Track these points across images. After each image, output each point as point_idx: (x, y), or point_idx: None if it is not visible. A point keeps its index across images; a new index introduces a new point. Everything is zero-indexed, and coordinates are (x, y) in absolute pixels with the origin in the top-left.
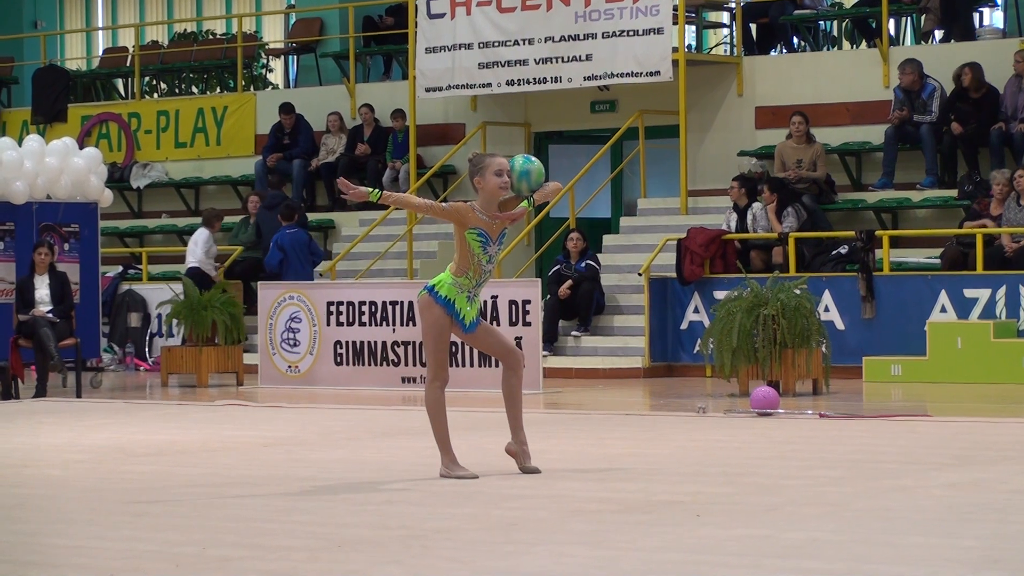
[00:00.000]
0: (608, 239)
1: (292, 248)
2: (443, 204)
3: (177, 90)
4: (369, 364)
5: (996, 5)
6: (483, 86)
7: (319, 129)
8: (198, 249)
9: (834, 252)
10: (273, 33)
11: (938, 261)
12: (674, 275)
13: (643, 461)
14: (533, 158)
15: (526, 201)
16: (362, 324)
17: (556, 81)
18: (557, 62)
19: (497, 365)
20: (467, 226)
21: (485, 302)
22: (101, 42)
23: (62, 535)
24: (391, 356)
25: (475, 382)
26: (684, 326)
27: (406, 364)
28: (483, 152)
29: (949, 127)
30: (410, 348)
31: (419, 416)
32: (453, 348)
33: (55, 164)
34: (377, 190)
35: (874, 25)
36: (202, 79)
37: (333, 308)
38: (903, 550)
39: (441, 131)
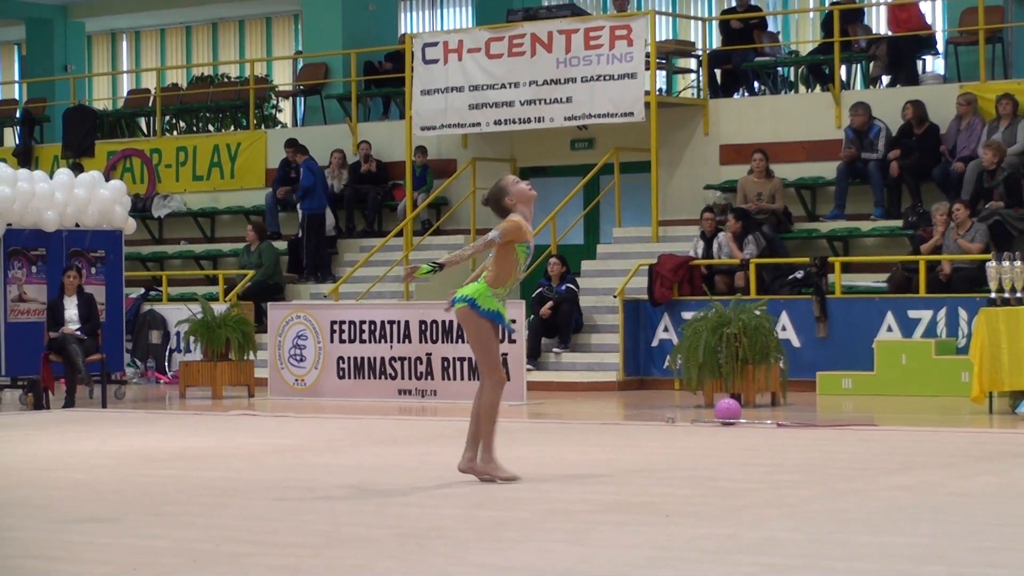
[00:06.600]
0: (586, 264)
1: (319, 174)
2: (500, 229)
3: (195, 128)
4: (369, 378)
5: (937, 53)
6: (473, 125)
7: (323, 164)
8: None
9: (791, 277)
10: (282, 76)
11: (885, 285)
12: (646, 297)
13: (618, 466)
14: None
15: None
16: (362, 341)
17: (539, 121)
18: (540, 104)
19: None
20: (522, 240)
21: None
22: (126, 84)
23: (88, 533)
24: (389, 371)
25: (463, 393)
26: (655, 343)
27: (402, 378)
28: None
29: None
30: (406, 363)
31: (415, 425)
32: (444, 363)
33: (83, 195)
34: (432, 265)
35: (827, 71)
36: (217, 118)
37: (336, 327)
38: (855, 548)
39: (435, 166)
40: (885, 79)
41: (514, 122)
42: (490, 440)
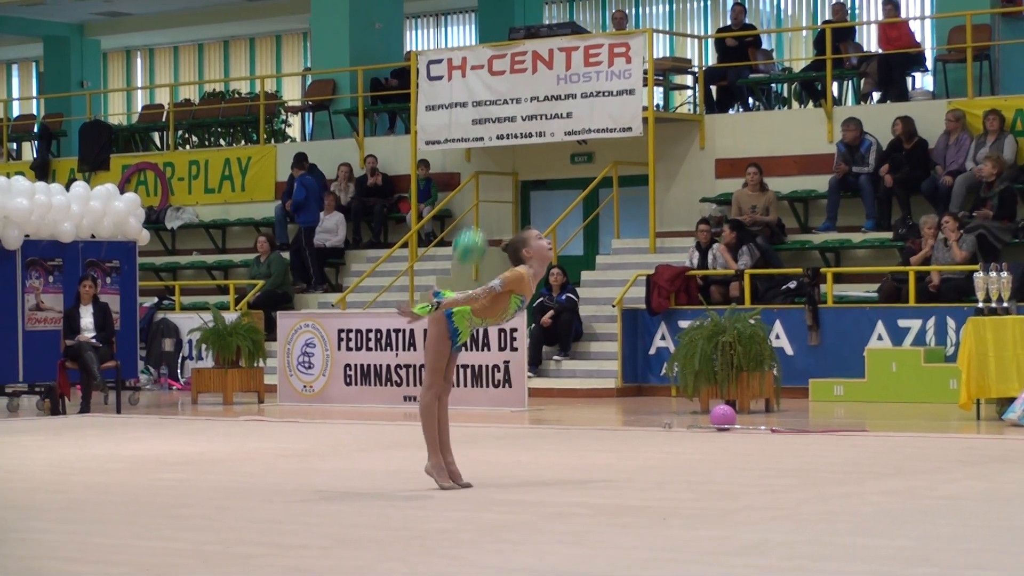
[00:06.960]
0: (585, 274)
1: (312, 189)
2: (503, 277)
3: (207, 142)
4: (375, 384)
5: (927, 70)
6: (476, 140)
7: (331, 177)
8: None
9: (784, 287)
10: (291, 92)
11: (875, 295)
12: (644, 306)
13: (616, 471)
14: (464, 240)
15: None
16: (369, 349)
17: (540, 136)
18: (541, 119)
19: (487, 386)
20: (521, 292)
21: (477, 330)
22: (140, 100)
23: (104, 534)
24: (394, 377)
25: (467, 400)
26: (652, 351)
27: (407, 384)
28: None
29: (883, 177)
30: (411, 371)
31: (419, 430)
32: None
33: (99, 207)
34: (430, 305)
35: (819, 87)
36: (229, 133)
37: (343, 335)
38: (846, 550)
39: (439, 179)
40: (876, 95)
41: (516, 137)
42: (431, 444)
